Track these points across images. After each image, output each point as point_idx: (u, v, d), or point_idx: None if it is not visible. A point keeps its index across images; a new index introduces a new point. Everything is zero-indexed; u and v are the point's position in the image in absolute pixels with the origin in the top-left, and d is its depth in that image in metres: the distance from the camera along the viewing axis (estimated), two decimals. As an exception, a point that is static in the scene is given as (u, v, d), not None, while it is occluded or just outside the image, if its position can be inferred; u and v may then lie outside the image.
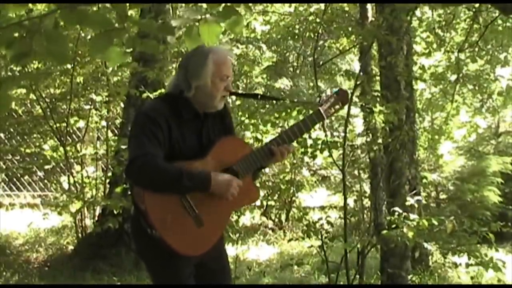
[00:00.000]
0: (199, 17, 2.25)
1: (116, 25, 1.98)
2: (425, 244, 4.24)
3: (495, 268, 3.97)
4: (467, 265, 4.09)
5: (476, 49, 7.31)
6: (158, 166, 2.35)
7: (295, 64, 8.83)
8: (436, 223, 4.02)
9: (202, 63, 2.49)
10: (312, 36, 7.75)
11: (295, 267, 5.07)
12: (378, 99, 4.94)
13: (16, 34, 1.92)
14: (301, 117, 4.65)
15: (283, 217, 8.80)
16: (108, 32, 1.97)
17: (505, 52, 8.58)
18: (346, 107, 3.92)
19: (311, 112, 2.84)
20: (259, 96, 3.12)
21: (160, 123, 2.42)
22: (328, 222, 4.56)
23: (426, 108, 8.19)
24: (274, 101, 4.93)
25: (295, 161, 7.84)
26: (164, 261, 2.51)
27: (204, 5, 2.38)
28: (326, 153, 4.70)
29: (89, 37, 5.74)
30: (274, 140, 2.68)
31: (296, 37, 8.30)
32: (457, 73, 6.37)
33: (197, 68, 2.49)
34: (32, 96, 6.60)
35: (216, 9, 2.25)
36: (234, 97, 4.87)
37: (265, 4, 8.47)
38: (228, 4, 2.20)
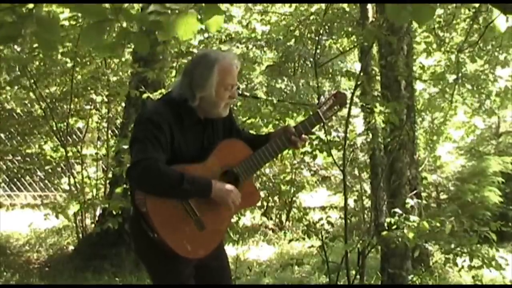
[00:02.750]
0: (177, 8, 2.21)
1: (110, 17, 1.97)
2: (426, 245, 4.23)
3: (497, 267, 3.96)
4: (470, 268, 4.07)
5: (476, 49, 7.30)
6: (160, 170, 2.34)
7: (296, 64, 8.82)
8: (438, 224, 4.02)
9: (207, 74, 2.48)
10: (313, 36, 7.74)
11: (296, 267, 5.07)
12: (378, 99, 4.94)
13: (8, 19, 1.92)
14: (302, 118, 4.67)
15: (283, 217, 8.81)
16: (100, 22, 1.96)
17: (504, 53, 8.57)
18: (346, 107, 3.93)
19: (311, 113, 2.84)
20: (261, 99, 3.13)
21: (163, 127, 2.42)
22: (329, 222, 4.56)
23: (424, 109, 8.18)
24: (274, 102, 4.94)
25: (295, 161, 7.84)
26: (164, 263, 2.51)
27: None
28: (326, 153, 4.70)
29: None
30: (274, 143, 2.68)
31: (297, 37, 8.30)
32: (456, 74, 6.37)
33: (202, 79, 2.48)
34: (32, 96, 6.61)
35: (199, 5, 2.23)
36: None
37: (265, 4, 8.48)
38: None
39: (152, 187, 2.38)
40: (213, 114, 2.56)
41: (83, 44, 5.23)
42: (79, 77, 6.55)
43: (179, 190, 2.37)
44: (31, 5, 1.91)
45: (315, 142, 4.63)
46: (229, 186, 2.48)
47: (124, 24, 2.01)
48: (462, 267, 4.19)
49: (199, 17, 2.14)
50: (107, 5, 2.00)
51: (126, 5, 2.01)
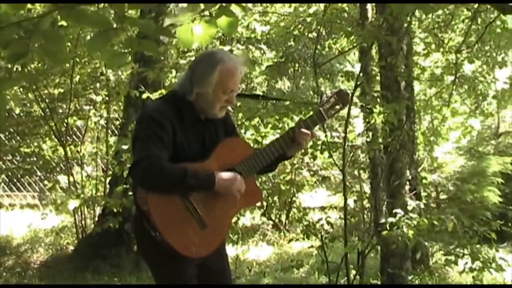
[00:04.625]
0: (194, 16, 2.23)
1: (115, 25, 1.98)
2: (426, 244, 4.23)
3: (497, 268, 3.97)
4: (471, 270, 4.07)
5: (475, 50, 7.30)
6: (162, 166, 2.34)
7: (295, 64, 8.82)
8: (436, 223, 4.02)
9: (208, 71, 2.47)
10: (313, 36, 7.75)
11: (295, 269, 5.08)
12: (378, 99, 4.94)
13: (14, 35, 1.91)
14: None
15: (283, 218, 8.80)
16: (106, 31, 1.95)
17: (503, 54, 8.58)
18: (346, 107, 3.92)
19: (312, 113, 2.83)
20: (260, 97, 3.12)
21: (165, 125, 2.41)
22: (328, 223, 4.56)
23: (421, 109, 8.17)
24: (275, 102, 4.93)
25: (295, 162, 7.84)
26: (166, 262, 2.51)
27: (201, 5, 2.35)
28: (326, 153, 4.70)
29: (88, 37, 5.74)
30: (276, 141, 2.68)
31: (296, 38, 8.30)
32: (454, 75, 6.36)
33: (202, 75, 2.48)
34: (31, 96, 6.61)
35: (211, 9, 2.24)
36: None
37: (265, 5, 8.47)
38: (224, 4, 2.18)
39: (155, 184, 2.38)
40: (208, 114, 2.55)
41: (90, 54, 5.24)
42: (78, 77, 6.56)
43: (183, 185, 2.37)
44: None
45: (313, 142, 4.64)
46: (232, 175, 2.48)
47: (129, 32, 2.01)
48: (464, 270, 4.19)
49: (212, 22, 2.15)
50: (107, 5, 2.00)
51: (130, 11, 2.01)
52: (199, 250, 2.51)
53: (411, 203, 4.64)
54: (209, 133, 2.59)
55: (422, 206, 4.98)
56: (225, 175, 2.46)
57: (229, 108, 2.74)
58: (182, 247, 2.43)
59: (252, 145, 5.01)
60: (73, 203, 5.34)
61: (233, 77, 2.50)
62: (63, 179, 7.72)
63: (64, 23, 5.73)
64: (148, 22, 2.15)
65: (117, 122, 7.48)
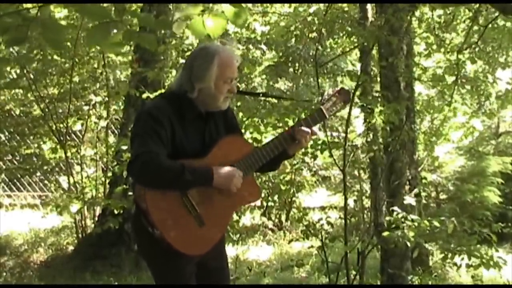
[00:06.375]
0: (203, 10, 2.25)
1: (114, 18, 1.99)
2: (426, 245, 4.23)
3: (496, 266, 3.96)
4: (468, 266, 4.08)
5: (476, 50, 7.30)
6: (160, 162, 2.35)
7: (296, 64, 8.82)
8: (438, 224, 4.01)
9: (207, 66, 2.48)
10: (313, 37, 7.74)
11: (295, 267, 5.08)
12: (378, 99, 4.94)
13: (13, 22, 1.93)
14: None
15: (283, 218, 8.80)
16: (106, 23, 1.97)
17: (504, 54, 8.57)
18: (347, 107, 3.93)
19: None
20: (261, 95, 3.11)
21: (163, 121, 2.42)
22: (328, 223, 4.56)
23: (423, 109, 8.17)
24: (276, 101, 4.93)
25: (295, 162, 7.83)
26: (165, 260, 2.51)
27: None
28: (326, 153, 4.70)
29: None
30: (276, 139, 2.68)
31: (297, 37, 8.29)
32: (455, 75, 6.36)
33: (201, 71, 2.49)
34: (31, 97, 6.60)
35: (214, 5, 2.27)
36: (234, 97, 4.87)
37: (265, 5, 8.47)
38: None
39: (153, 180, 2.38)
40: (213, 107, 2.56)
41: (88, 44, 5.24)
42: (78, 77, 6.55)
43: (181, 181, 2.37)
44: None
45: (313, 142, 4.64)
46: (230, 169, 2.48)
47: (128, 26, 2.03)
48: (460, 265, 4.19)
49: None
50: (107, 4, 2.01)
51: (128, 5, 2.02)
52: (197, 248, 2.51)
53: (409, 200, 4.63)
54: (208, 128, 2.59)
55: (421, 200, 4.98)
56: (223, 170, 2.47)
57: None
58: (181, 244, 2.43)
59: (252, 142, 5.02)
60: (74, 207, 5.34)
61: (231, 66, 2.52)
62: (63, 179, 7.72)
63: (63, 22, 5.75)
64: (147, 15, 2.17)
65: (117, 122, 7.48)
